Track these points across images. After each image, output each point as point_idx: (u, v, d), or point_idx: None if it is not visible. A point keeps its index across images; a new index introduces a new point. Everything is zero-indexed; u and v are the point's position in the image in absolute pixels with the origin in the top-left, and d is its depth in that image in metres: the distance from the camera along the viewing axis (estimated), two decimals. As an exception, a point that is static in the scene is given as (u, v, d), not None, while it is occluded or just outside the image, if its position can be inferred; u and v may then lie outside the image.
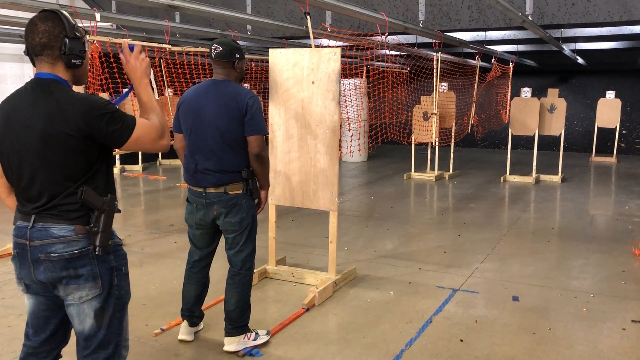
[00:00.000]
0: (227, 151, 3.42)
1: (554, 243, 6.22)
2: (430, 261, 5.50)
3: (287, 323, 4.00)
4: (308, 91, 4.57)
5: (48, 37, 2.14)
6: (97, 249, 2.20)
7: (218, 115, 3.40)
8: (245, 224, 3.54)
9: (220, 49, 3.44)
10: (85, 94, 2.33)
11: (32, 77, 2.27)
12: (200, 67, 9.28)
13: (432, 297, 4.54)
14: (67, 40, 2.17)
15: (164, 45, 6.74)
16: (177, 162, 11.79)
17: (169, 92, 9.81)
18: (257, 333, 3.67)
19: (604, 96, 13.75)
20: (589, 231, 6.79)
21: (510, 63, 13.20)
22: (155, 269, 5.22)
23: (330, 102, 4.51)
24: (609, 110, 13.49)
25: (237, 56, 3.47)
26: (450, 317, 4.13)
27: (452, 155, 11.13)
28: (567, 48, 11.33)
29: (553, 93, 10.62)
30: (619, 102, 13.43)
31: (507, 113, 13.44)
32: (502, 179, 10.50)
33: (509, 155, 10.70)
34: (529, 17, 6.96)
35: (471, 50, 10.66)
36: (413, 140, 10.80)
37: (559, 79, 16.66)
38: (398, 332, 3.86)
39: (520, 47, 13.29)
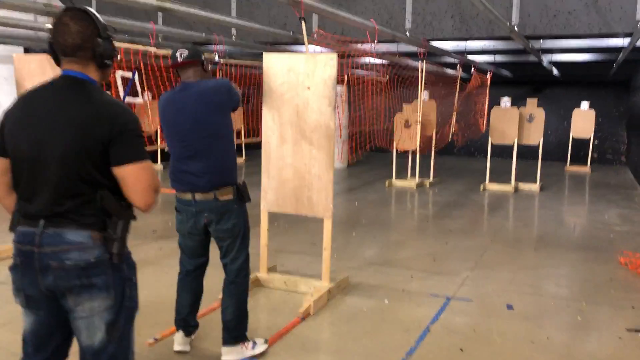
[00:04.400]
0: (214, 147, 3.34)
1: (540, 251, 6.26)
2: (421, 268, 5.48)
3: (283, 332, 3.91)
4: (303, 97, 4.50)
5: (82, 38, 2.05)
6: (114, 257, 2.09)
7: (199, 111, 3.31)
8: (237, 230, 3.45)
9: (187, 51, 3.36)
10: (118, 101, 2.24)
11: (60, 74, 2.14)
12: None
13: (427, 305, 4.51)
14: (100, 40, 2.08)
15: (149, 48, 6.60)
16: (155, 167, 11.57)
17: (147, 96, 9.63)
18: (254, 342, 3.57)
19: (577, 107, 14.01)
20: (572, 240, 6.86)
21: (488, 73, 13.35)
22: (143, 277, 5.00)
23: (327, 108, 4.45)
24: (583, 121, 13.75)
25: (204, 57, 3.42)
26: (448, 326, 4.10)
27: (432, 163, 11.18)
28: (545, 59, 11.51)
29: (532, 103, 10.78)
30: (593, 112, 13.71)
31: (484, 122, 13.59)
32: (482, 187, 10.58)
33: (488, 164, 10.80)
34: (515, 28, 7.02)
35: (453, 60, 10.73)
36: (394, 147, 10.82)
37: (532, 89, 16.93)
38: (397, 342, 3.81)
39: (497, 58, 13.47)
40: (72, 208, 2.04)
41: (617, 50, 10.49)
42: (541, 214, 8.68)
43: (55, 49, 2.09)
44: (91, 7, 8.07)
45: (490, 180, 10.84)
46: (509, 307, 4.51)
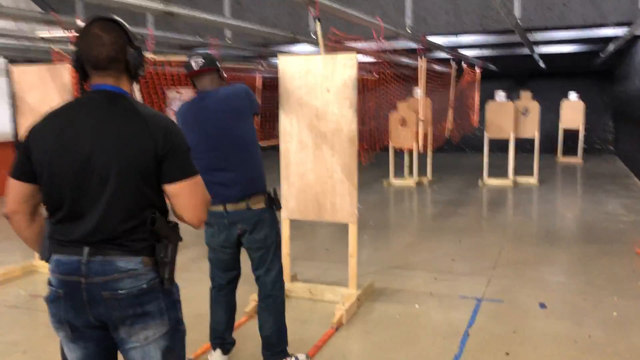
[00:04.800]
0: (243, 155, 3.20)
1: (556, 246, 6.20)
2: (442, 270, 5.37)
3: (320, 345, 3.76)
4: (322, 99, 4.36)
5: (115, 50, 1.90)
6: (166, 282, 1.95)
7: (223, 119, 3.17)
8: (270, 240, 3.32)
9: (202, 59, 3.21)
10: (162, 113, 2.10)
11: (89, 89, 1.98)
12: (176, 78, 8.95)
13: (459, 308, 4.40)
14: (132, 50, 1.95)
15: (147, 54, 6.40)
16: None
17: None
18: (296, 358, 3.43)
19: (565, 97, 14.07)
20: (584, 233, 6.82)
21: (477, 67, 13.33)
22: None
23: (348, 110, 4.31)
24: (572, 112, 13.83)
25: (218, 64, 3.28)
26: (486, 329, 3.99)
27: (429, 160, 11.10)
28: (535, 51, 11.53)
29: (526, 96, 10.77)
30: (582, 103, 13.78)
31: (476, 116, 13.58)
32: (480, 182, 10.53)
33: (485, 159, 10.74)
34: (519, 22, 6.97)
35: (446, 56, 10.67)
36: (390, 146, 10.72)
37: (516, 82, 16.96)
38: (439, 349, 3.69)
39: (485, 52, 13.48)
40: (122, 232, 1.89)
41: (607, 40, 10.54)
42: (546, 207, 8.64)
43: (85, 63, 1.93)
44: (75, 9, 7.83)
45: (488, 176, 10.79)
46: (542, 305, 4.42)
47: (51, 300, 1.95)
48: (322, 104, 4.36)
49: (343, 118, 4.33)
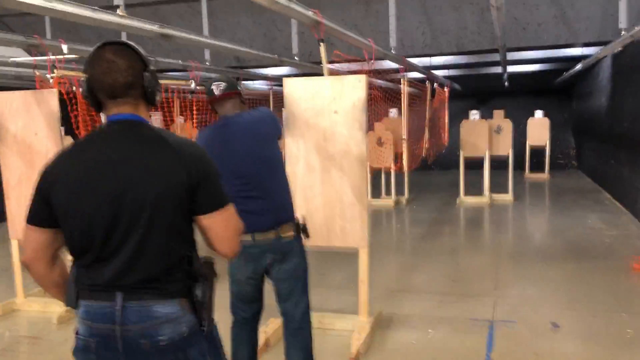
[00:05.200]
0: (272, 181, 3.07)
1: (550, 263, 6.21)
2: (445, 292, 5.29)
3: (343, 378, 3.61)
4: (330, 121, 4.25)
5: (133, 75, 1.76)
6: (205, 324, 1.82)
7: (250, 145, 3.04)
8: (300, 270, 3.17)
9: (224, 83, 3.08)
10: (189, 139, 1.97)
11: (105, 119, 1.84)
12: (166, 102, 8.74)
13: (474, 331, 4.32)
14: (148, 75, 1.80)
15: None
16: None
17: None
18: (326, 394, 3.26)
19: (527, 115, 14.39)
20: (573, 249, 6.86)
21: (446, 87, 13.53)
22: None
23: (357, 131, 4.22)
24: (538, 129, 14.13)
25: (239, 87, 3.17)
26: (508, 353, 3.91)
27: (406, 180, 11.09)
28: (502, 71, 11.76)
29: (499, 114, 10.95)
30: (547, 120, 14.11)
31: (446, 135, 13.74)
32: (458, 200, 10.58)
33: (461, 177, 10.77)
34: (505, 43, 7.06)
35: (421, 76, 10.76)
36: (367, 166, 10.66)
37: (477, 101, 17.24)
38: (466, 376, 3.59)
39: (452, 72, 13.71)
40: (157, 273, 1.74)
41: (575, 59, 10.84)
42: (529, 224, 8.74)
43: (98, 91, 1.77)
44: (45, 30, 7.52)
45: (464, 194, 10.84)
46: (555, 325, 4.38)
47: (81, 350, 1.78)
48: (330, 126, 4.25)
49: (352, 140, 4.23)
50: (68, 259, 1.83)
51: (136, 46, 1.82)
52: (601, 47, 9.22)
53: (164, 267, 1.74)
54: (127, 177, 1.72)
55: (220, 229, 1.82)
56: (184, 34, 4.74)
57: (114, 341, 1.72)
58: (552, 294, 5.15)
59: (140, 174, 1.72)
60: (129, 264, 1.71)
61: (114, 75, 1.74)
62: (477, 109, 12.45)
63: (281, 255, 3.08)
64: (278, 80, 10.85)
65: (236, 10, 9.15)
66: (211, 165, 1.83)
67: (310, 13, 4.26)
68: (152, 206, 1.70)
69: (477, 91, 16.90)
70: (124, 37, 7.91)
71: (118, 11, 4.21)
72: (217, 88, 3.07)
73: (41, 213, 1.77)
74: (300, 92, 4.28)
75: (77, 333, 1.80)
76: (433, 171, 16.83)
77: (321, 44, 4.46)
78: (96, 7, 3.93)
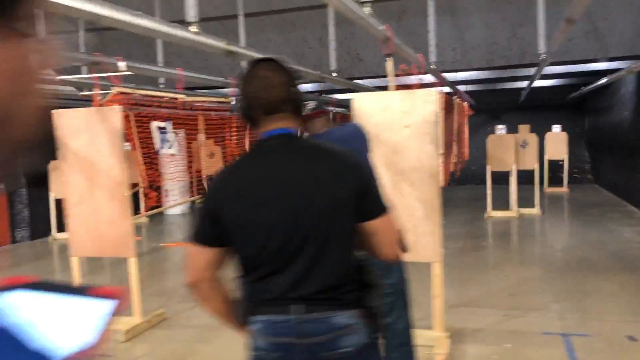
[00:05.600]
0: None
1: (601, 276, 6.18)
2: (507, 306, 5.26)
3: (435, 393, 3.57)
4: (401, 135, 4.26)
5: (286, 90, 1.78)
6: (379, 333, 1.83)
7: None
8: (402, 284, 3.20)
9: (313, 102, 3.08)
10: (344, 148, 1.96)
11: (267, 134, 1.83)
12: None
13: (551, 345, 4.28)
14: (296, 89, 1.83)
15: (179, 96, 6.19)
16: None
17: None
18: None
19: (547, 129, 14.45)
20: (619, 261, 6.84)
21: (465, 102, 13.59)
22: (225, 342, 4.58)
23: (428, 145, 4.22)
24: (557, 143, 14.17)
25: (327, 107, 3.20)
26: (594, 367, 3.88)
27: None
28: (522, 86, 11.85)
29: (524, 129, 10.98)
30: (565, 134, 14.16)
31: (466, 150, 13.76)
32: (485, 215, 10.57)
33: (489, 191, 10.78)
34: (544, 57, 7.09)
35: (449, 90, 10.81)
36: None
37: (491, 116, 17.31)
38: (560, 390, 3.55)
39: (469, 87, 13.79)
40: (334, 284, 1.73)
41: (598, 73, 10.92)
42: (563, 237, 8.72)
43: (253, 108, 1.79)
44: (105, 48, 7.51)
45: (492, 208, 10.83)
46: (633, 338, 4.35)
47: None
48: (400, 140, 4.25)
49: (423, 154, 4.23)
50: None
51: (283, 61, 1.84)
52: (628, 61, 9.32)
53: (340, 276, 1.74)
54: (301, 188, 1.73)
55: (384, 234, 1.82)
56: (248, 51, 4.75)
57: (295, 354, 1.70)
58: (616, 306, 5.12)
59: (314, 184, 1.73)
60: (305, 275, 1.71)
61: (270, 90, 1.75)
62: (489, 124, 12.55)
63: (383, 270, 3.05)
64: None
65: (267, 28, 9.21)
66: (371, 171, 1.88)
67: (381, 27, 4.28)
68: (328, 215, 1.71)
69: (490, 106, 16.98)
70: (180, 51, 7.91)
71: (190, 28, 4.23)
72: (307, 107, 3.09)
73: (208, 232, 1.77)
74: (369, 107, 4.29)
75: (254, 349, 1.78)
76: (450, 186, 16.82)
77: (387, 58, 4.48)
78: (174, 23, 3.94)
